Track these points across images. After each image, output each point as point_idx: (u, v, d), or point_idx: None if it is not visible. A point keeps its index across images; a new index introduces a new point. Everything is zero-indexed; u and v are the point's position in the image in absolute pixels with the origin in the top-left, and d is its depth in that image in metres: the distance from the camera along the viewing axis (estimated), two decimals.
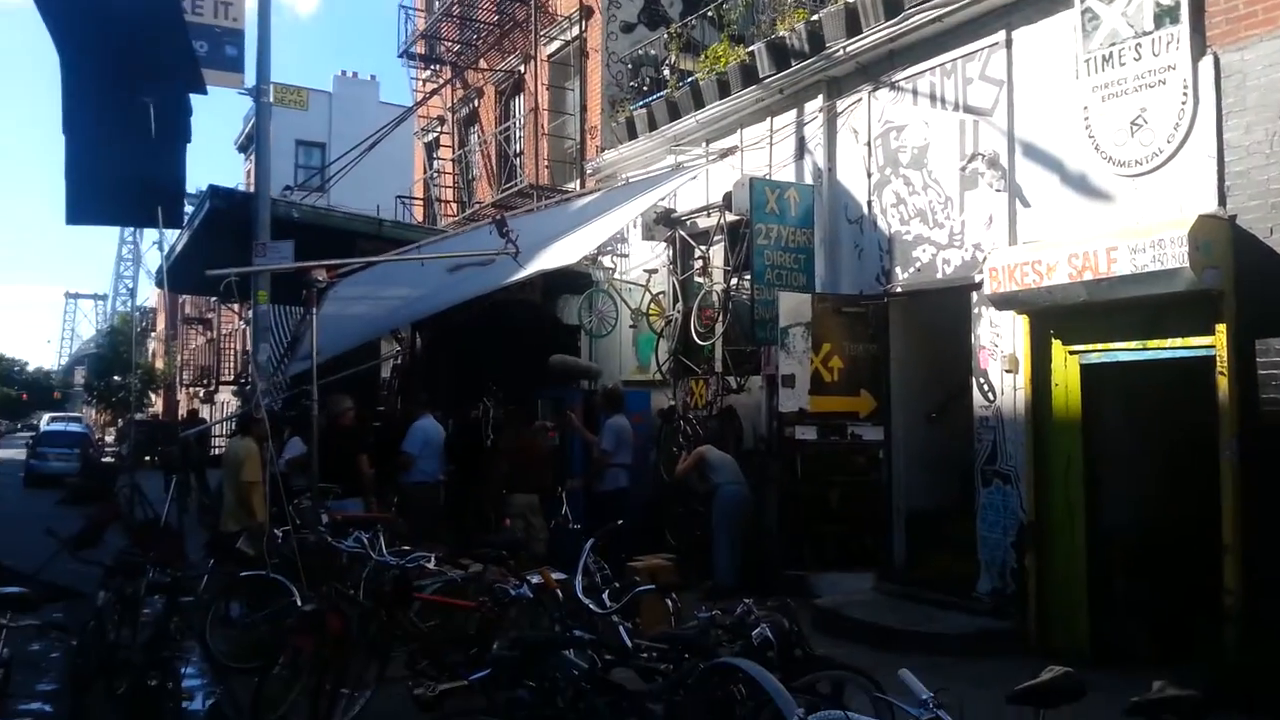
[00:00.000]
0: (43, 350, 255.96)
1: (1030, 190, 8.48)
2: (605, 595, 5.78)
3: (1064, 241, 7.68)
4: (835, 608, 8.98)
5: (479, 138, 20.02)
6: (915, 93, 9.65)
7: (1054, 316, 8.02)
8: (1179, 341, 7.19)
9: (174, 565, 7.56)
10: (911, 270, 9.68)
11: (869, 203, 10.16)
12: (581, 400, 12.46)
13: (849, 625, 8.55)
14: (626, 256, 14.03)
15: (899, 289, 9.83)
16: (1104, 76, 7.76)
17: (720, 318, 11.42)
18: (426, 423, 11.13)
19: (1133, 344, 7.51)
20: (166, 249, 14.26)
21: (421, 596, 6.62)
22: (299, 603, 7.19)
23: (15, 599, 4.71)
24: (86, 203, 9.32)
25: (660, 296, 12.98)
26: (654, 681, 4.89)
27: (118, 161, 8.62)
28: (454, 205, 20.81)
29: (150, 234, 64.75)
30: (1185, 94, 7.19)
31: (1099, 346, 7.79)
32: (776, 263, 10.56)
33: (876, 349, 10.05)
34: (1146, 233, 6.97)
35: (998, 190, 8.69)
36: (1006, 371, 8.53)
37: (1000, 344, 8.63)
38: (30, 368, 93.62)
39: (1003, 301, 8.19)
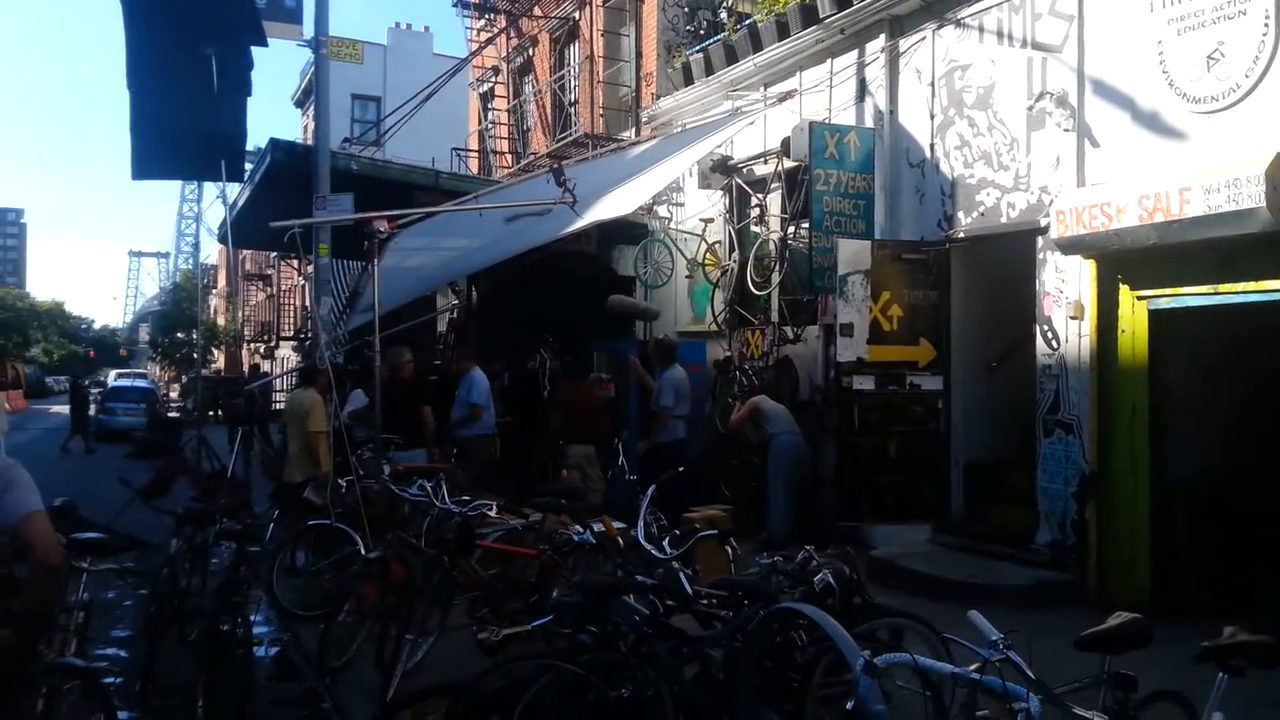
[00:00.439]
0: (108, 307, 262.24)
1: (1100, 130, 8.26)
2: (665, 542, 5.83)
3: (1134, 182, 7.48)
4: (891, 559, 8.96)
5: (533, 87, 19.96)
6: (981, 30, 9.42)
7: (1122, 260, 7.84)
8: (1253, 285, 6.99)
9: (240, 515, 7.77)
10: (975, 215, 9.51)
11: (931, 146, 9.98)
12: (637, 352, 12.48)
13: (905, 576, 8.53)
14: (682, 205, 13.95)
15: (961, 234, 9.67)
16: (1180, 8, 7.50)
17: (777, 267, 11.34)
18: (480, 374, 11.20)
19: (1204, 288, 7.32)
20: (228, 204, 14.46)
21: (483, 544, 6.73)
22: (363, 551, 7.34)
23: (94, 544, 4.88)
24: (152, 157, 9.50)
25: (716, 246, 12.92)
26: (713, 628, 4.94)
27: (181, 115, 8.76)
28: (509, 156, 20.82)
29: (210, 191, 65.66)
30: (1266, 24, 6.92)
31: (1168, 291, 7.61)
32: (835, 209, 10.43)
33: (937, 297, 9.92)
34: (1221, 172, 6.76)
35: (1066, 130, 8.48)
36: (1071, 318, 8.38)
37: (1065, 290, 8.47)
38: (96, 325, 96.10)
39: (1069, 245, 8.03)
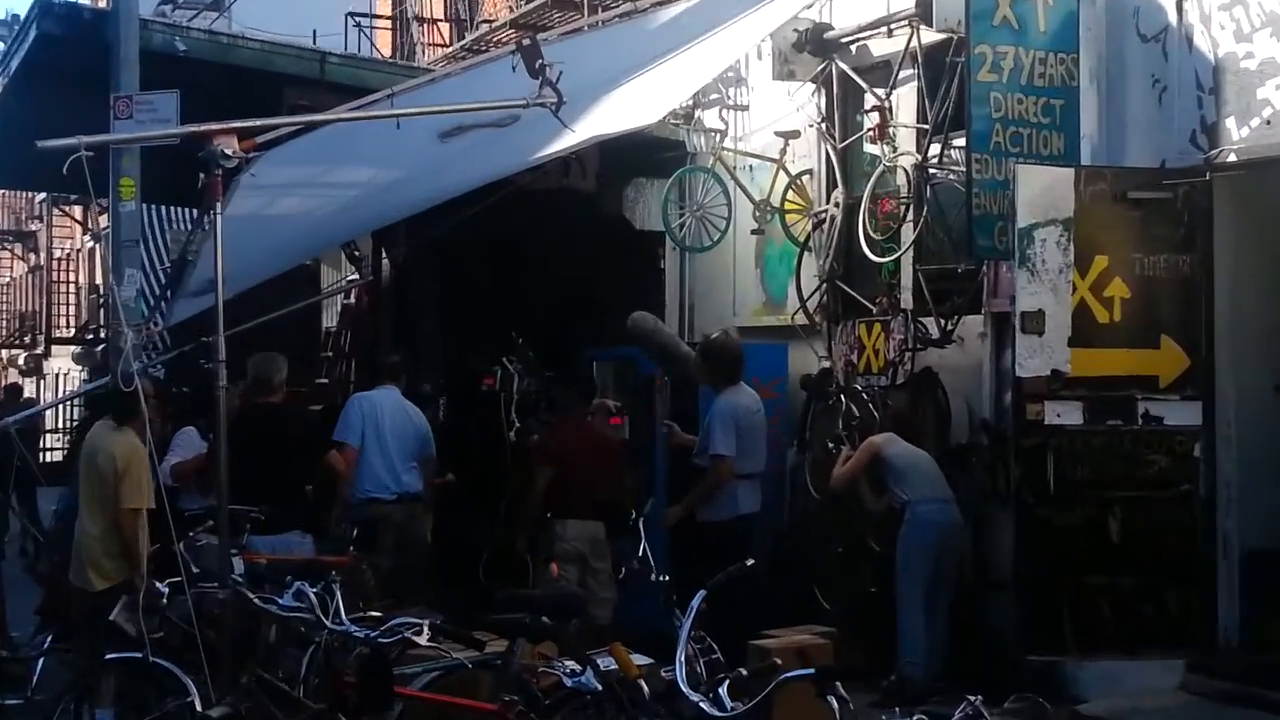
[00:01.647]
0: None
1: None
2: (723, 690, 5.80)
3: None
4: (1116, 718, 8.97)
5: None
6: None
7: None
8: None
9: None
10: (1258, 122, 9.47)
11: (1179, 4, 9.96)
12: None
13: None
14: (746, 110, 14.05)
15: (1234, 156, 9.63)
16: None
17: (910, 215, 11.35)
18: (381, 396, 11.25)
19: None
20: None
21: (407, 692, 6.74)
22: (199, 706, 7.35)
23: None
24: None
25: (805, 179, 12.97)
26: None
27: None
28: (444, 28, 20.92)
29: None
30: None
31: None
32: (1013, 115, 10.41)
33: (1190, 265, 9.93)
34: None
35: None
36: None
37: None
38: None
39: None
